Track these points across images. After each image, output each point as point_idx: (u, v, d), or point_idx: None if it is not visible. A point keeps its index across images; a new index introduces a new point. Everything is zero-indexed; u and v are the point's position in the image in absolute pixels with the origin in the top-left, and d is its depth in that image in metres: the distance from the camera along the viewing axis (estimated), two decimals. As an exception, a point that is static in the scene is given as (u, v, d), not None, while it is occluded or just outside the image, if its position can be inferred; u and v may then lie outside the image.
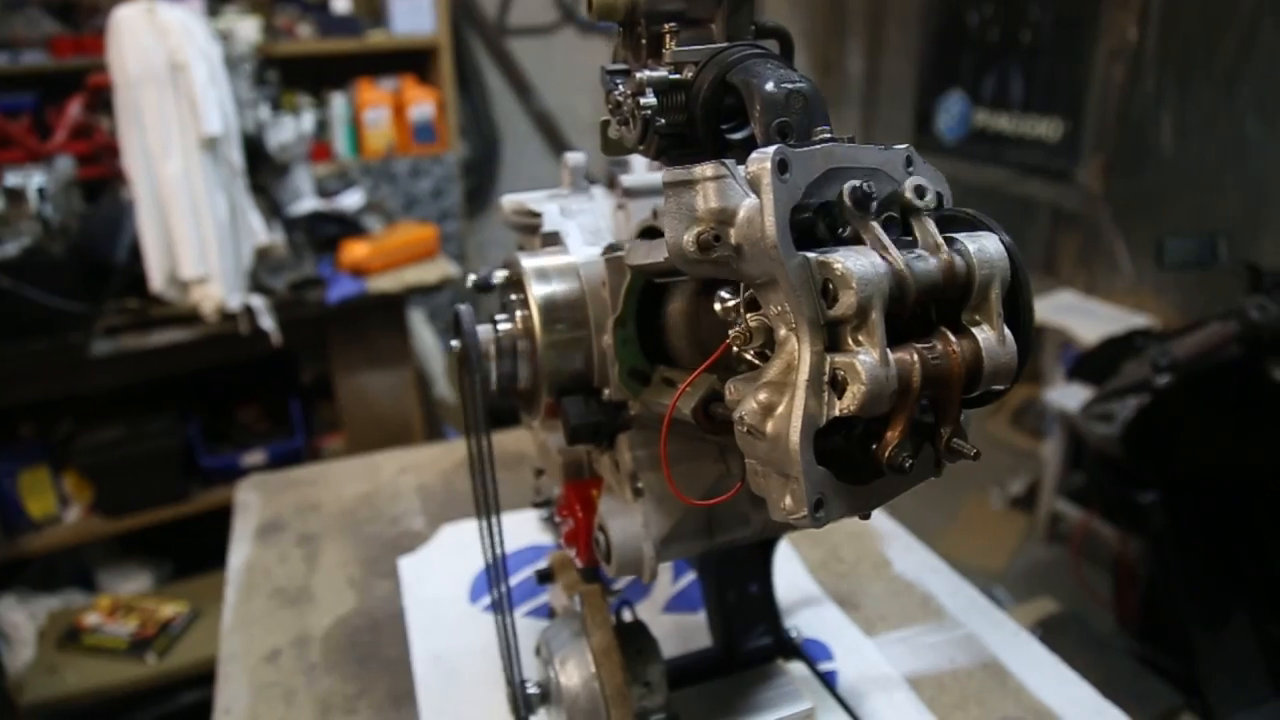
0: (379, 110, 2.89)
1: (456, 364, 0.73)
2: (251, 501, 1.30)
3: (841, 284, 0.42)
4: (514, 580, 1.12)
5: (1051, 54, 3.12)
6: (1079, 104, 2.97)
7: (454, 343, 0.71)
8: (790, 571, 1.12)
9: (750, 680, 0.87)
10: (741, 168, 0.45)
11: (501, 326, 0.69)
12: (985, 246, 0.46)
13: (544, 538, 1.20)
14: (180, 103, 1.79)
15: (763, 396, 0.45)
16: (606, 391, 0.67)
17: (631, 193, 0.80)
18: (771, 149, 0.41)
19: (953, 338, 0.45)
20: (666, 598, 1.09)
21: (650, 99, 0.54)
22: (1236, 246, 1.73)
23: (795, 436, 0.42)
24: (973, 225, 0.48)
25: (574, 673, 0.74)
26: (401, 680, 0.95)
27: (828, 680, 0.92)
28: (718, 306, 0.52)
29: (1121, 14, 2.81)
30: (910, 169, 0.49)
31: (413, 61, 3.09)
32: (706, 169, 0.45)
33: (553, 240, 0.80)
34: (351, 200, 2.44)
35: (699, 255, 0.45)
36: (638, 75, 0.54)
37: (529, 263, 0.69)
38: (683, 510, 0.66)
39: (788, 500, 0.43)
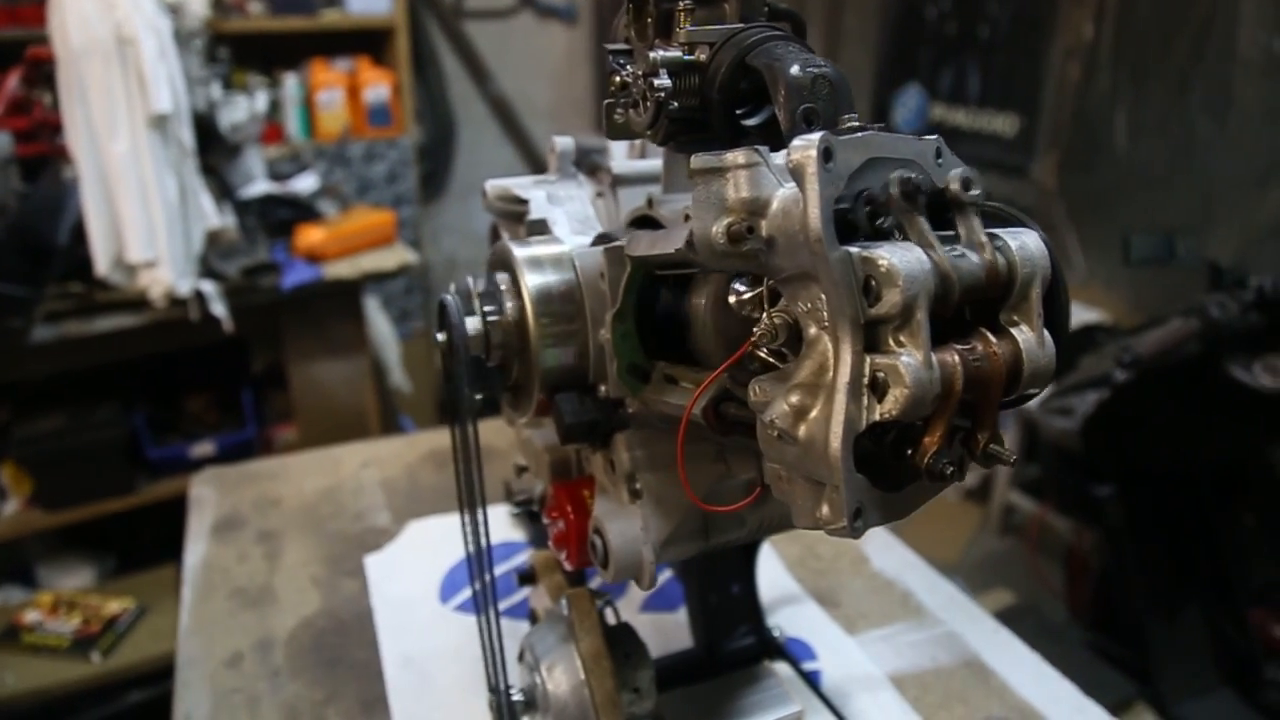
0: (333, 92, 2.81)
1: (441, 357, 0.69)
2: (207, 497, 1.25)
3: (886, 281, 0.39)
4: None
5: (1008, 50, 3.15)
6: (1035, 100, 3.00)
7: (440, 335, 0.67)
8: (768, 569, 1.10)
9: (737, 683, 0.85)
10: (775, 155, 0.43)
11: (492, 318, 0.66)
12: (1027, 244, 0.44)
13: (515, 534, 1.17)
14: (128, 78, 1.71)
15: (795, 399, 0.42)
16: (603, 388, 0.64)
17: (621, 180, 0.77)
18: (816, 136, 0.39)
19: (993, 338, 0.43)
20: (643, 596, 1.07)
21: (665, 80, 0.51)
22: (1193, 245, 1.76)
23: (836, 443, 0.39)
24: (1006, 220, 0.46)
25: (562, 679, 0.71)
26: (371, 685, 0.91)
27: (812, 680, 0.90)
28: (732, 300, 0.50)
29: (1078, 12, 2.84)
30: (940, 160, 0.47)
31: (368, 42, 3.01)
32: (738, 156, 0.42)
33: (539, 228, 0.76)
34: (305, 184, 2.36)
35: (729, 248, 0.42)
36: (651, 55, 0.51)
37: (521, 251, 0.66)
38: (683, 512, 0.64)
39: (824, 510, 0.41)
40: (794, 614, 1.03)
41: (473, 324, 0.65)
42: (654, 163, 0.78)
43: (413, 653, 0.95)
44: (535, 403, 0.66)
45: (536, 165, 3.76)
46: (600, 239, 0.70)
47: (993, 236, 0.43)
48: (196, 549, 1.12)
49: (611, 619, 0.77)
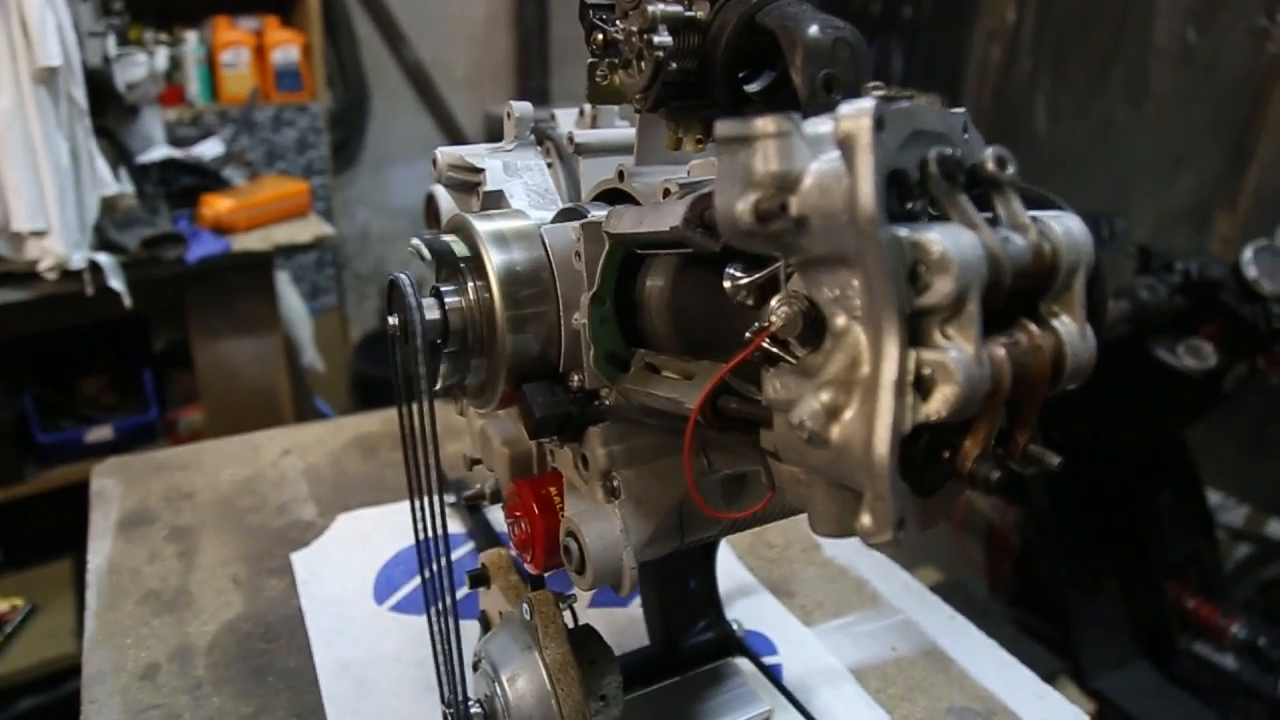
0: (238, 52, 2.64)
1: (391, 344, 0.62)
2: (110, 489, 1.14)
3: (938, 268, 0.35)
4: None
5: (932, 31, 3.18)
6: (957, 82, 3.03)
7: (391, 318, 0.61)
8: (719, 558, 1.06)
9: (700, 682, 0.81)
10: (808, 123, 0.38)
11: (450, 300, 0.59)
12: (1071, 228, 0.40)
13: (453, 525, 1.10)
14: (10, 28, 1.55)
15: (826, 397, 0.38)
16: (576, 378, 0.58)
17: (585, 150, 0.71)
18: (869, 102, 0.34)
19: (1036, 330, 0.39)
20: (592, 591, 1.02)
21: (665, 38, 0.46)
22: (1126, 228, 1.79)
23: (883, 448, 0.35)
24: (1040, 202, 0.43)
25: (526, 690, 0.66)
26: (305, 695, 0.84)
27: (775, 676, 0.87)
28: (728, 285, 0.45)
29: (1000, -5, 2.88)
30: (966, 135, 0.43)
31: (275, 0, 2.83)
32: (768, 123, 0.37)
33: (495, 201, 0.70)
34: (209, 150, 2.21)
35: (755, 227, 0.37)
36: (650, 10, 0.46)
37: (483, 225, 0.59)
38: (664, 512, 0.59)
39: (865, 519, 0.36)
40: (750, 606, 1.00)
41: (428, 307, 0.59)
42: (621, 132, 0.72)
43: (349, 658, 0.88)
44: (500, 394, 0.60)
45: (454, 136, 3.64)
46: (566, 213, 0.65)
47: (1033, 220, 0.40)
48: (101, 548, 1.02)
49: (569, 620, 0.72)
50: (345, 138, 3.39)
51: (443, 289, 0.60)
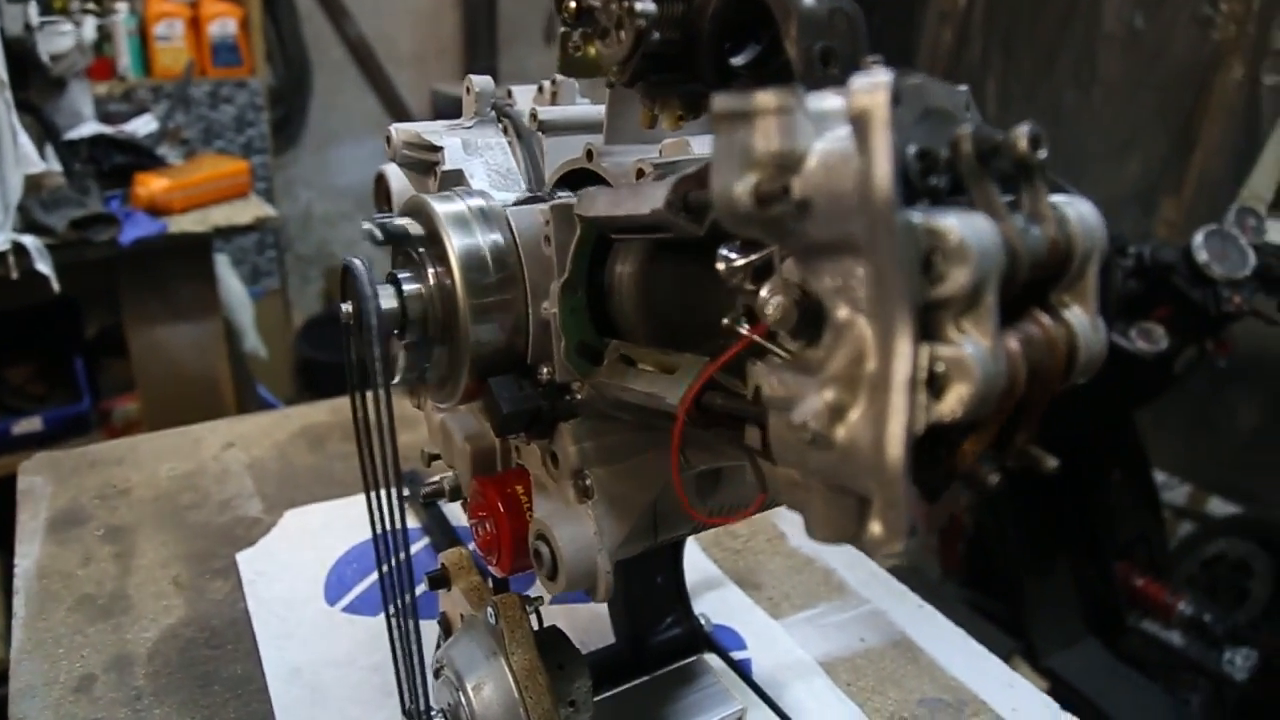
0: (172, 23, 2.53)
1: (345, 334, 0.58)
2: (38, 487, 1.08)
3: (956, 257, 0.32)
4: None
5: (883, 11, 3.17)
6: (908, 64, 3.03)
7: (345, 306, 0.56)
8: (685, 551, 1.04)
9: (671, 682, 0.79)
10: (810, 98, 0.34)
11: (408, 287, 0.55)
12: (1085, 215, 0.38)
13: (410, 521, 1.06)
14: (-80, -8, 1.45)
15: (831, 396, 0.35)
16: (545, 370, 0.55)
17: (549, 128, 0.67)
18: (882, 77, 0.31)
19: (1049, 322, 0.37)
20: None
21: (649, 5, 0.42)
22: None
23: (896, 451, 0.32)
24: (1051, 187, 0.40)
25: (493, 699, 0.62)
26: (253, 703, 0.79)
27: (745, 671, 0.85)
28: (721, 267, 0.42)
29: (951, -23, 2.88)
30: (968, 112, 0.41)
31: (211, -30, 2.72)
32: (769, 98, 0.33)
33: (454, 181, 0.66)
34: (142, 126, 2.11)
35: (754, 210, 0.34)
36: (630, -28, 0.42)
37: (443, 206, 0.55)
38: (638, 512, 0.56)
39: (875, 528, 0.34)
40: (716, 599, 0.98)
41: (384, 294, 0.55)
42: (587, 109, 0.69)
43: (300, 663, 0.84)
44: (463, 388, 0.56)
45: (399, 115, 3.54)
46: (530, 198, 0.61)
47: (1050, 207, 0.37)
48: (29, 551, 0.96)
49: (534, 621, 0.69)
50: (286, 115, 3.28)
51: (400, 275, 0.56)
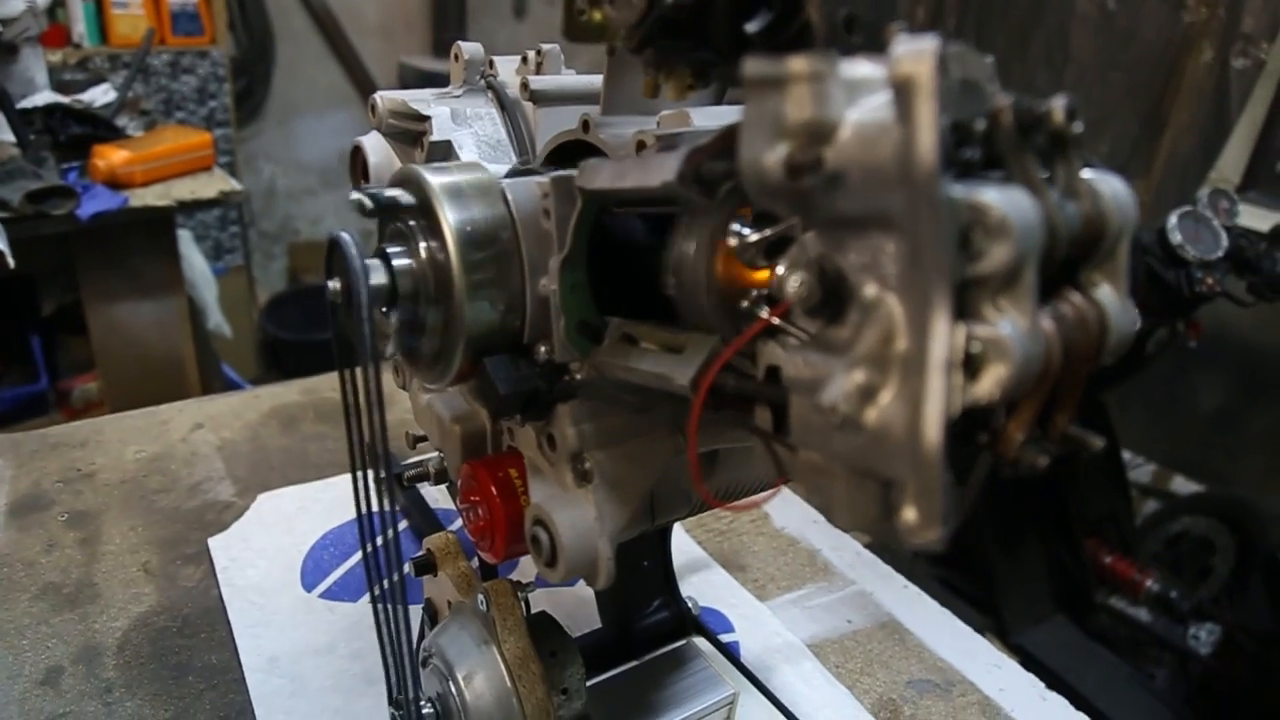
0: (129, -10, 2.44)
1: (331, 311, 0.56)
2: (-2, 471, 1.04)
3: (997, 233, 0.31)
4: (359, 556, 0.95)
5: (856, -10, 3.15)
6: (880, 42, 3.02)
7: (331, 283, 0.54)
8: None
9: (661, 667, 0.77)
10: (845, 64, 0.33)
11: (398, 263, 0.53)
12: (1118, 192, 0.36)
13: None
14: None
15: (861, 377, 0.33)
16: (543, 350, 0.53)
17: (541, 98, 0.65)
18: (928, 42, 0.29)
19: (1081, 301, 0.36)
20: (535, 571, 0.97)
21: (662, -36, 0.40)
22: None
23: (933, 434, 0.31)
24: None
25: (484, 689, 0.61)
26: (230, 694, 0.77)
27: (734, 655, 0.84)
28: (733, 243, 0.40)
29: (925, -45, 2.87)
30: (992, 84, 0.39)
31: (170, -65, 2.63)
32: (802, 65, 0.32)
33: (443, 152, 0.64)
34: (99, 96, 2.04)
35: (785, 182, 0.32)
36: (644, -70, 0.40)
37: (437, 178, 0.53)
38: (639, 496, 0.54)
39: (910, 515, 0.32)
40: (702, 582, 0.97)
41: (374, 270, 0.52)
42: (579, 79, 0.66)
43: (277, 652, 0.82)
44: (457, 368, 0.54)
45: (364, 88, 3.47)
46: (522, 170, 0.59)
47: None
48: (-11, 537, 0.93)
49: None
50: (248, 87, 3.20)
51: (390, 250, 0.53)
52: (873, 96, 0.32)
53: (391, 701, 0.63)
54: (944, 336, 0.31)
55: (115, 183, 1.79)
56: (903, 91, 0.29)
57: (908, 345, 0.33)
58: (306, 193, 3.44)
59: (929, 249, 0.31)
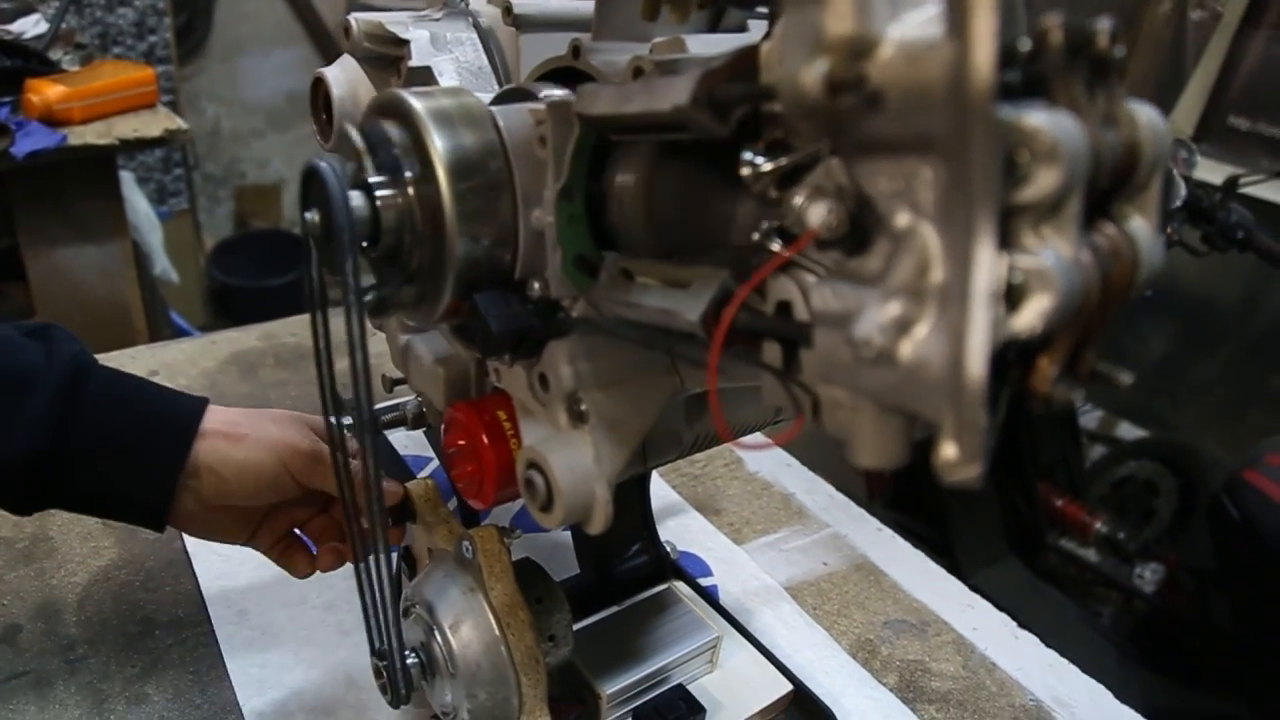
0: (57, -87, 2.29)
1: (307, 245, 0.53)
2: (-61, 419, 0.98)
3: (1045, 158, 0.29)
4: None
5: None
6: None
7: (310, 214, 0.51)
8: (644, 478, 1.02)
9: (644, 611, 0.77)
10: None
11: (381, 193, 0.50)
12: (1154, 121, 0.35)
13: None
14: None
15: (896, 309, 0.32)
16: (536, 285, 0.51)
17: (525, 23, 0.62)
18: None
19: (1116, 233, 0.35)
20: (509, 513, 0.96)
21: None
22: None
23: (977, 368, 0.30)
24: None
25: (472, 638, 0.59)
26: (199, 648, 0.75)
27: (713, 598, 0.84)
28: (746, 173, 0.38)
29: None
30: (1021, 8, 0.37)
31: None
32: (844, -30, 0.30)
33: (423, 78, 0.61)
34: (30, 27, 1.93)
35: (824, 100, 0.31)
36: None
37: (422, 103, 0.49)
38: (636, 437, 0.53)
39: (950, 451, 0.31)
40: (678, 526, 0.96)
41: (355, 202, 0.49)
42: (564, 3, 0.63)
43: (246, 604, 0.79)
44: (445, 305, 0.51)
45: (311, 26, 3.34)
46: (510, 94, 0.56)
47: (1117, 107, 0.35)
48: (-66, 488, 0.88)
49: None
50: (189, 22, 3.04)
51: (371, 180, 0.50)
52: (917, 10, 0.31)
53: (374, 653, 0.62)
54: (990, 266, 0.30)
55: (52, 119, 1.70)
56: (957, 5, 0.28)
57: (944, 276, 0.31)
58: (253, 134, 3.31)
59: (977, 174, 0.29)
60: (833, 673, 0.79)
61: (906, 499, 2.21)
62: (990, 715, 0.78)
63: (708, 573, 0.89)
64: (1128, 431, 2.64)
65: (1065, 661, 0.85)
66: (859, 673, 0.80)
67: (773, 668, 0.76)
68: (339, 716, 0.71)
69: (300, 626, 0.78)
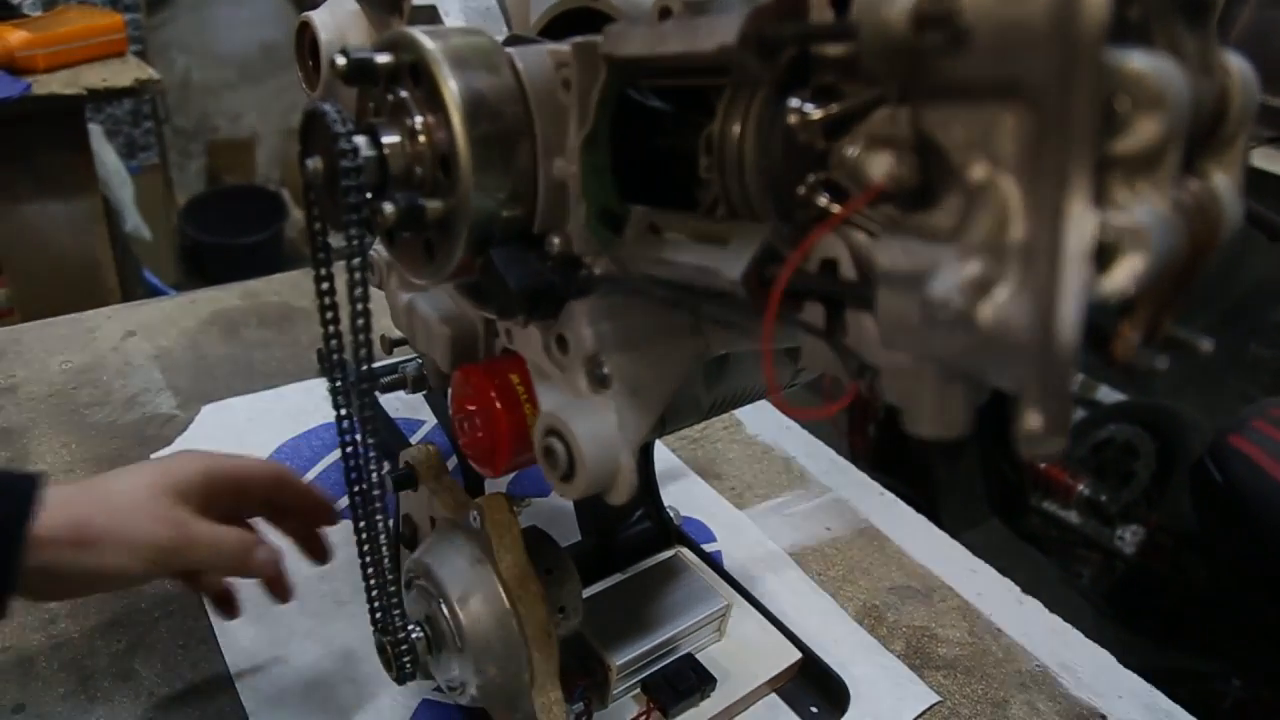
0: None
1: (308, 194, 0.49)
2: (-94, 381, 0.94)
3: (1148, 105, 0.27)
4: (321, 467, 0.90)
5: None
6: None
7: (311, 161, 0.47)
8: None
9: (653, 579, 0.75)
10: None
11: (387, 139, 0.46)
12: (1245, 69, 0.33)
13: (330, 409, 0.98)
14: None
15: (975, 269, 0.29)
16: (556, 241, 0.47)
17: (534, -35, 0.58)
18: None
19: (1201, 190, 0.32)
20: (504, 480, 0.93)
21: None
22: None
23: (1069, 333, 0.27)
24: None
25: (482, 611, 0.57)
26: (188, 621, 0.72)
27: (717, 564, 0.82)
28: (793, 120, 0.36)
29: None
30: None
31: None
32: (933, -109, 0.27)
33: (428, 18, 0.57)
34: (-12, -32, 1.84)
35: (909, 37, 0.28)
36: None
37: (434, 42, 0.46)
38: (661, 403, 0.50)
39: (1035, 421, 0.29)
40: (680, 491, 0.94)
41: (361, 147, 0.46)
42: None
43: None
44: (457, 261, 0.48)
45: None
46: (518, 38, 0.52)
47: (1207, 57, 0.32)
48: (-97, 454, 0.84)
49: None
50: (155, -33, 2.93)
51: (375, 123, 0.47)
52: (1010, -63, 0.28)
53: (376, 627, 0.59)
54: (1083, 224, 0.28)
55: (14, 67, 1.62)
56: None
57: (1026, 233, 0.29)
58: (225, 87, 3.20)
59: (1076, 123, 0.27)
60: (841, 640, 0.78)
61: (889, 460, 2.21)
62: (997, 681, 0.77)
63: (711, 538, 0.88)
64: (1106, 395, 2.66)
65: (1069, 626, 0.85)
66: (867, 640, 0.79)
67: (781, 635, 0.75)
68: (337, 690, 0.69)
69: (296, 599, 0.75)
